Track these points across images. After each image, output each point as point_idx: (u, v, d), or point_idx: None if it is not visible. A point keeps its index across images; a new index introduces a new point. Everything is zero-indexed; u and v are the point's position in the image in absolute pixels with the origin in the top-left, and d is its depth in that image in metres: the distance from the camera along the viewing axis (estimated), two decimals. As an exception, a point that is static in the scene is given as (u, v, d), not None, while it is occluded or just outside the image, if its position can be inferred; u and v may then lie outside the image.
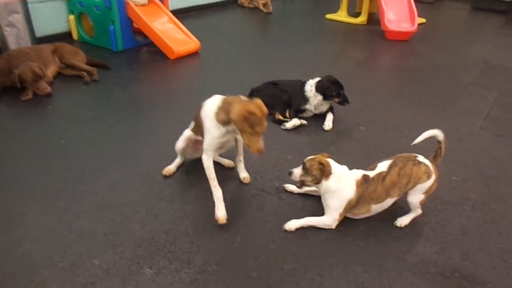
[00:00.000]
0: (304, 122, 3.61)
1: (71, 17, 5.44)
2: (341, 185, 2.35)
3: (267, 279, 2.10)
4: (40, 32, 5.11)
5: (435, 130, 2.43)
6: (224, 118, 2.36)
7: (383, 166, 2.40)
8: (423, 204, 2.46)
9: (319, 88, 3.59)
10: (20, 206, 2.56)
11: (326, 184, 2.36)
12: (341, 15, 7.34)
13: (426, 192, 2.40)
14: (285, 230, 2.40)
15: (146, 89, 4.31)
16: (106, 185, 2.77)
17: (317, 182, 2.39)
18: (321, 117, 3.70)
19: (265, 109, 2.32)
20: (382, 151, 3.25)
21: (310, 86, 3.63)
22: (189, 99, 4.06)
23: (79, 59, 4.54)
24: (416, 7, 6.47)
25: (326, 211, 2.43)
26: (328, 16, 7.40)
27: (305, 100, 3.64)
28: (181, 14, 6.55)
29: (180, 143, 2.83)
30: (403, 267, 2.19)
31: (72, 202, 2.60)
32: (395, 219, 2.51)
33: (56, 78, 4.37)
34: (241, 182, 2.84)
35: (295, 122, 3.57)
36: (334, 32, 6.88)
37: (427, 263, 2.23)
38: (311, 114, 3.74)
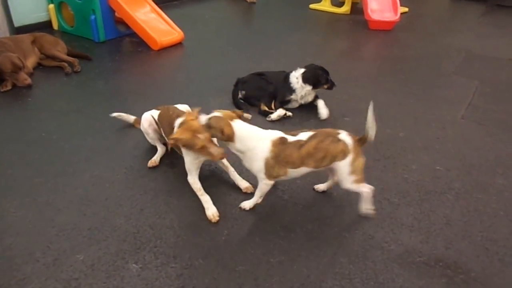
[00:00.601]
0: (289, 113, 3.60)
1: (51, 6, 5.30)
2: (253, 145, 2.28)
3: (254, 272, 2.10)
4: (18, 21, 4.98)
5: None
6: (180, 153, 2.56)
7: (303, 135, 2.31)
8: (363, 181, 2.39)
9: (308, 78, 3.57)
10: (-1, 200, 2.50)
11: (234, 146, 2.31)
12: (325, 5, 7.32)
13: (352, 172, 2.32)
14: (240, 208, 2.50)
15: (129, 81, 4.24)
16: (89, 179, 2.72)
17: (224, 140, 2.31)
18: (306, 108, 3.70)
19: (194, 125, 2.33)
20: (367, 142, 3.25)
21: (295, 78, 3.61)
22: (173, 91, 4.01)
23: (60, 49, 4.43)
24: (399, -4, 6.49)
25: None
26: (312, 6, 7.37)
27: (291, 91, 3.63)
28: (163, 3, 6.42)
29: (145, 122, 2.94)
30: (388, 258, 2.22)
31: (54, 196, 2.55)
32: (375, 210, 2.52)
33: (36, 69, 4.28)
34: (244, 192, 2.69)
35: (279, 112, 3.55)
36: (318, 22, 6.86)
37: (412, 253, 2.26)
38: (297, 105, 3.73)
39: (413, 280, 2.09)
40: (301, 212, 2.52)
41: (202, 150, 2.34)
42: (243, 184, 2.69)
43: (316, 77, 3.58)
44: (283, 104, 3.69)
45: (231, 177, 2.74)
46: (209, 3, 7.49)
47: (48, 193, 2.57)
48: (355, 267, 2.15)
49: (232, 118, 2.30)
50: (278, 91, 3.69)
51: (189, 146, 2.36)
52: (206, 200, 2.49)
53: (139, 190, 2.64)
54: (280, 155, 2.28)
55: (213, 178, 2.80)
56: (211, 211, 2.43)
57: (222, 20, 6.63)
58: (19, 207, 2.45)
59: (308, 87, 3.60)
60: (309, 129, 2.38)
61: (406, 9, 7.25)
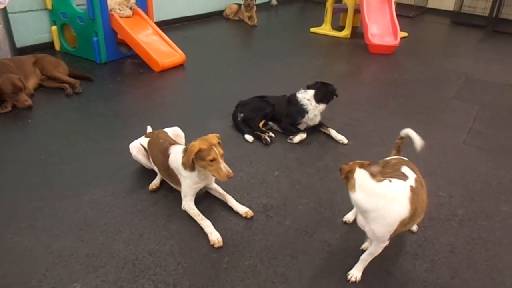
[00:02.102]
0: (304, 135, 3.62)
1: (54, 27, 5.34)
2: (384, 205, 1.92)
3: (255, 301, 2.05)
4: (20, 42, 5.00)
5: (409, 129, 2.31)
6: (191, 166, 2.48)
7: (408, 173, 2.09)
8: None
9: (322, 98, 3.61)
10: (-4, 225, 2.46)
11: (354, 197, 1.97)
12: (325, 29, 7.41)
13: None
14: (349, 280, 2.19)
15: (130, 102, 4.24)
16: (88, 203, 2.68)
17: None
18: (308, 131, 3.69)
19: (213, 139, 2.45)
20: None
21: (306, 100, 3.61)
22: (174, 113, 4.01)
23: (61, 70, 4.44)
24: (398, 21, 6.58)
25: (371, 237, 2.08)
26: (313, 29, 7.46)
27: (303, 113, 3.61)
28: (165, 26, 6.50)
29: (133, 149, 2.96)
30: (393, 287, 2.17)
31: (52, 222, 2.50)
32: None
33: (37, 90, 4.27)
34: (244, 217, 2.63)
35: (302, 136, 3.58)
36: (319, 45, 6.93)
37: (417, 282, 2.21)
38: (304, 126, 3.71)
39: (419, 311, 2.04)
40: (303, 238, 2.48)
41: (212, 164, 2.38)
42: (242, 209, 2.64)
43: (329, 94, 3.63)
44: (293, 127, 3.68)
45: (229, 204, 2.70)
46: (211, 26, 7.59)
47: (46, 218, 2.52)
48: (359, 297, 2.10)
49: None
50: (280, 114, 3.69)
51: (202, 157, 2.38)
52: (207, 225, 2.45)
53: (138, 215, 2.60)
54: (417, 206, 2.00)
55: (209, 203, 2.75)
56: (215, 235, 2.38)
57: (223, 43, 6.69)
58: (16, 233, 2.39)
59: (322, 106, 3.62)
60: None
61: (405, 34, 7.34)
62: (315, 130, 3.74)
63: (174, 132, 3.01)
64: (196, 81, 4.89)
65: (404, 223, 1.95)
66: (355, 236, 2.47)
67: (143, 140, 2.93)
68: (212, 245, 2.35)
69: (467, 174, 3.24)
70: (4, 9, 4.54)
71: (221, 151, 2.42)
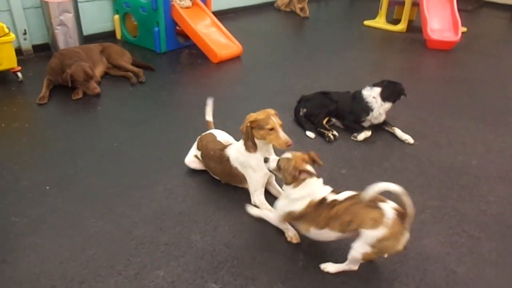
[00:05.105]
0: (369, 133, 3.57)
1: (116, 17, 5.49)
2: (301, 195, 2.15)
3: (334, 301, 2.05)
4: (86, 31, 5.17)
5: (387, 184, 1.91)
6: (251, 143, 2.51)
7: (344, 194, 2.12)
8: (366, 260, 2.14)
9: (389, 96, 3.55)
10: (79, 208, 2.58)
11: (288, 189, 2.20)
12: (380, 22, 7.21)
13: (373, 246, 1.97)
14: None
15: (192, 93, 4.31)
16: (162, 192, 2.76)
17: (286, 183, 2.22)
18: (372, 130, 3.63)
19: (270, 110, 2.52)
20: (437, 168, 3.17)
21: (372, 97, 3.55)
22: (235, 105, 4.04)
23: (126, 59, 4.57)
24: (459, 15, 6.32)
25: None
26: (366, 22, 7.28)
27: (368, 110, 3.56)
28: (220, 16, 6.52)
29: (191, 163, 2.98)
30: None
31: (130, 209, 2.60)
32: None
33: (103, 78, 4.41)
34: None
35: (366, 134, 3.55)
36: (373, 39, 6.77)
37: (499, 292, 2.15)
38: (368, 124, 3.66)
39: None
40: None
41: (271, 133, 2.42)
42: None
43: (396, 92, 3.57)
44: (357, 124, 3.64)
45: None
46: (263, 16, 7.56)
47: (124, 205, 2.62)
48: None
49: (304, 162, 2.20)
50: (344, 111, 3.65)
51: (261, 126, 2.43)
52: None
53: (211, 207, 2.65)
54: (309, 214, 2.14)
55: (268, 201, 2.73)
56: (292, 232, 2.39)
57: (276, 34, 6.66)
58: (98, 218, 2.50)
59: (388, 104, 3.56)
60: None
61: (465, 29, 7.04)
62: (379, 129, 3.68)
63: (221, 136, 2.94)
64: (254, 74, 4.90)
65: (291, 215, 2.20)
66: (433, 240, 2.43)
67: (197, 152, 2.93)
68: (290, 241, 2.37)
69: (544, 181, 3.10)
70: (74, -2, 4.71)
71: (280, 122, 2.46)
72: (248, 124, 2.47)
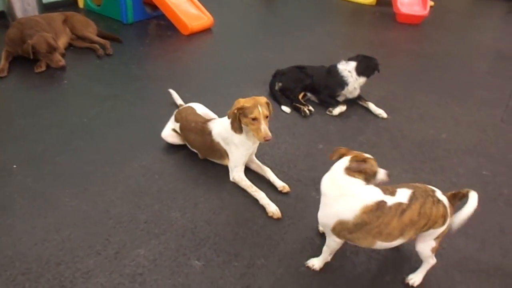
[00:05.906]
0: (344, 107, 3.59)
1: (78, -16, 5.18)
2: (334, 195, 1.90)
3: (317, 275, 2.09)
4: (46, -1, 4.86)
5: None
6: (237, 126, 2.46)
7: (403, 195, 1.88)
8: (436, 251, 2.04)
9: (363, 70, 3.56)
10: (52, 188, 2.48)
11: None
12: (350, -5, 7.18)
13: (438, 238, 1.95)
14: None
15: (163, 66, 4.17)
16: (138, 169, 2.69)
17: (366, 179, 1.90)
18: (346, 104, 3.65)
19: (261, 99, 2.44)
20: (411, 142, 3.24)
21: (347, 71, 3.55)
22: (209, 79, 3.94)
23: (91, 30, 4.35)
24: (428, -11, 6.38)
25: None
26: (337, -5, 7.24)
27: (343, 85, 3.57)
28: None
29: (168, 137, 2.90)
30: (447, 264, 2.22)
31: (105, 187, 2.52)
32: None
33: (67, 49, 4.18)
34: (280, 191, 2.61)
35: (341, 108, 3.56)
36: (344, 12, 6.74)
37: (470, 260, 2.26)
38: (343, 99, 3.68)
39: (475, 289, 2.10)
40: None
41: (253, 123, 2.37)
42: (279, 183, 2.62)
43: (371, 67, 3.59)
44: (332, 99, 3.64)
45: (267, 177, 2.68)
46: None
47: (99, 183, 2.54)
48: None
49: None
50: (319, 86, 3.65)
51: (245, 114, 2.37)
52: (262, 196, 2.47)
53: (190, 183, 2.61)
54: (372, 223, 1.83)
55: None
56: (273, 207, 2.41)
57: (248, 7, 6.49)
58: (72, 197, 2.42)
59: (363, 79, 3.58)
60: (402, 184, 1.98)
61: (432, 3, 7.14)
62: (353, 103, 3.70)
63: (200, 109, 2.90)
64: (227, 47, 4.78)
65: (346, 227, 1.86)
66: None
67: (175, 125, 2.85)
68: (271, 216, 2.38)
69: (508, 153, 3.23)
70: (31, -38, 4.38)
71: (266, 112, 2.39)
72: (235, 111, 2.40)
